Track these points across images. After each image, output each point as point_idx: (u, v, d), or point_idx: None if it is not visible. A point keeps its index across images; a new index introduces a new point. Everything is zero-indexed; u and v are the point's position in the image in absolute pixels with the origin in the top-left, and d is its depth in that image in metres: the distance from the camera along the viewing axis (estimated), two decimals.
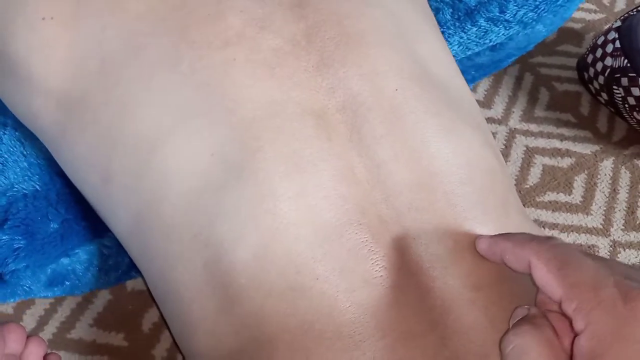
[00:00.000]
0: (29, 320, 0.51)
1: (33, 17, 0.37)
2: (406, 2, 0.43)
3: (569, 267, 0.27)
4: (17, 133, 0.49)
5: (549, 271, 0.27)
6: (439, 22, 0.57)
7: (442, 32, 0.57)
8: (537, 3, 0.56)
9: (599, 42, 0.66)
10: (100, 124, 0.37)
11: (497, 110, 0.68)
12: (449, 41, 0.58)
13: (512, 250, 0.30)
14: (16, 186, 0.48)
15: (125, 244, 0.41)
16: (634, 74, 0.60)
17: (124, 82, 0.36)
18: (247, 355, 0.32)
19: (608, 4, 0.80)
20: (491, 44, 0.59)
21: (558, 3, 0.57)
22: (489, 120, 0.67)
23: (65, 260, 0.51)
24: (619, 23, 0.65)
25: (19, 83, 0.39)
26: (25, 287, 0.50)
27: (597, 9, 0.79)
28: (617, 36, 0.63)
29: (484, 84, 0.70)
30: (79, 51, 0.37)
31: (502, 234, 0.32)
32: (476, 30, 0.57)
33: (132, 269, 0.53)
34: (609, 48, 0.64)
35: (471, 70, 0.66)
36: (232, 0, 0.37)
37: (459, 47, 0.58)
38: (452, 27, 0.57)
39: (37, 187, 0.48)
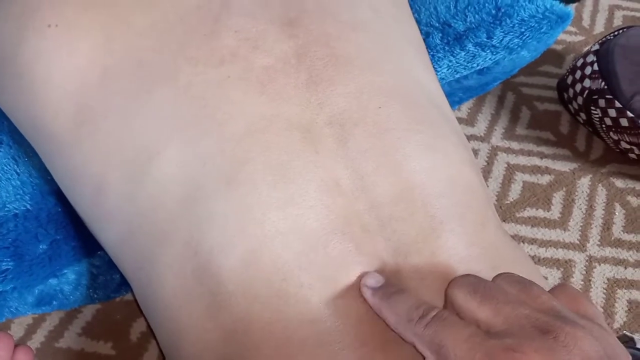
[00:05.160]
0: (17, 328, 0.51)
1: (41, 24, 0.38)
2: (392, 26, 0.45)
3: (440, 354, 0.27)
4: (11, 151, 0.48)
5: (431, 354, 0.28)
6: (428, 46, 0.59)
7: (432, 56, 0.58)
8: (523, 30, 0.58)
9: (578, 64, 0.68)
10: (98, 135, 0.38)
11: (480, 128, 0.70)
12: (438, 64, 0.59)
13: (394, 326, 0.31)
14: (8, 206, 0.47)
15: (115, 254, 0.41)
16: (611, 96, 0.63)
17: (124, 94, 0.37)
18: None
19: (588, 27, 0.83)
20: (479, 67, 0.60)
21: (542, 30, 0.59)
22: (472, 137, 0.69)
23: (53, 281, 0.51)
24: (597, 47, 0.67)
25: (23, 90, 0.40)
26: (11, 309, 0.50)
27: (577, 31, 0.82)
28: (595, 59, 0.66)
29: (468, 103, 0.72)
30: (81, 60, 0.38)
31: (382, 292, 0.32)
32: (465, 55, 0.58)
33: (122, 286, 0.53)
34: (588, 70, 0.66)
35: (459, 92, 0.67)
36: (227, 20, 0.39)
37: (448, 70, 0.59)
38: (441, 51, 0.58)
39: (29, 206, 0.48)
